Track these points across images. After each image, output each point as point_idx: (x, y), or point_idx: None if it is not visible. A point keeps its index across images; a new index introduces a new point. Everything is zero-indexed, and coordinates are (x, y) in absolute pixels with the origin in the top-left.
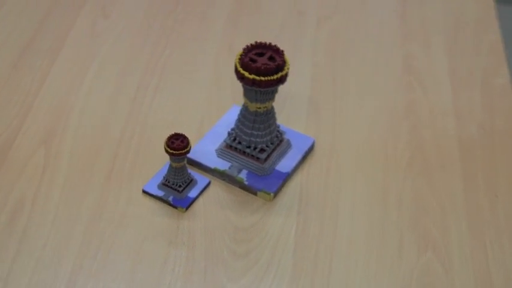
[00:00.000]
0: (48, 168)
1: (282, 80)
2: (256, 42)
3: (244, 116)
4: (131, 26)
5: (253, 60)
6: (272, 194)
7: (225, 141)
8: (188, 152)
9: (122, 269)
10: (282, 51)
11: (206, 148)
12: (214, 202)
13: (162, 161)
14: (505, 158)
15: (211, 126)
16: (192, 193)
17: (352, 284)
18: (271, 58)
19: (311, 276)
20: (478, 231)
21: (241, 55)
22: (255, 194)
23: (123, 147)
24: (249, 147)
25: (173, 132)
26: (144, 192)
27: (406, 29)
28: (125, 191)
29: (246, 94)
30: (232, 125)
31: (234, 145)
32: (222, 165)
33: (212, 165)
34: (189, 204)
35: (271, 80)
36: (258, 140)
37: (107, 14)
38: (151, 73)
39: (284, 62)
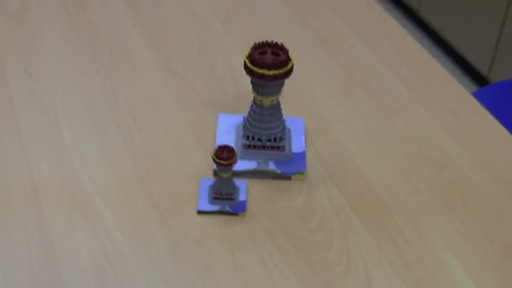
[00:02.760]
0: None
1: (292, 68)
2: (276, 42)
3: (260, 113)
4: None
5: (264, 53)
6: (305, 173)
7: (242, 143)
8: (236, 161)
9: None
10: (281, 44)
11: None
12: (261, 198)
13: (191, 184)
14: None
15: (208, 140)
16: (241, 197)
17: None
18: (273, 53)
19: (382, 225)
20: None
21: (250, 50)
22: (289, 178)
23: (148, 189)
24: (269, 140)
25: (218, 146)
26: (200, 212)
27: None
28: (182, 220)
29: (264, 91)
30: (230, 130)
31: (253, 144)
32: (250, 164)
33: (242, 168)
34: (245, 207)
35: (289, 70)
36: (276, 131)
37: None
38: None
39: (280, 65)
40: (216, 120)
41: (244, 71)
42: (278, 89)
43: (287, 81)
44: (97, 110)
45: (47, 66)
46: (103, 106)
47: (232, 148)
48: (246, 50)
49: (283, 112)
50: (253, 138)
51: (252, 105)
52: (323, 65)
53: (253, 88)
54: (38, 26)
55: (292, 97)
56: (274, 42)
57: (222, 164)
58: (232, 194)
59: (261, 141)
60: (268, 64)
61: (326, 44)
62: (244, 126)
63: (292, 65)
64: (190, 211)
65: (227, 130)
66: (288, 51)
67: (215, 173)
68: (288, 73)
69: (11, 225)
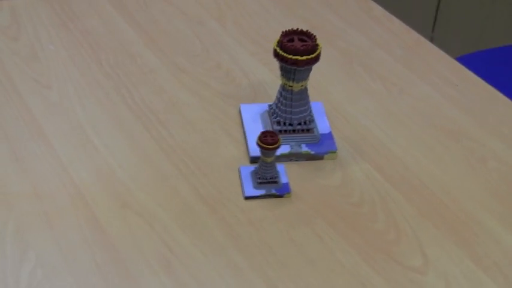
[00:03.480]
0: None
1: (297, 63)
2: (307, 30)
3: (291, 98)
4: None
5: (291, 40)
6: (336, 152)
7: (274, 129)
8: (280, 144)
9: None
10: (318, 45)
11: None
12: (300, 179)
13: (230, 173)
14: None
15: (236, 131)
16: (284, 179)
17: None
18: (300, 40)
19: (418, 193)
20: None
21: (287, 31)
22: (322, 158)
23: (191, 182)
24: (299, 124)
25: (262, 131)
26: (248, 198)
27: None
28: (233, 207)
29: (296, 76)
30: (255, 119)
31: (285, 128)
32: (283, 149)
33: (277, 153)
34: (290, 188)
35: (285, 56)
36: (305, 114)
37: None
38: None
39: (306, 51)
40: (237, 111)
41: (248, 64)
42: (307, 74)
43: None
44: (118, 112)
45: (56, 74)
46: (123, 108)
47: (275, 133)
48: (275, 39)
49: None
50: (284, 123)
51: (280, 92)
52: (322, 52)
53: (283, 75)
54: (35, 36)
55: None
56: (299, 29)
57: (268, 149)
58: (276, 177)
59: (292, 125)
60: (301, 50)
61: (319, 32)
62: (274, 113)
63: (321, 50)
64: (237, 198)
65: (253, 119)
66: (315, 37)
67: (252, 160)
68: (318, 58)
69: (66, 231)
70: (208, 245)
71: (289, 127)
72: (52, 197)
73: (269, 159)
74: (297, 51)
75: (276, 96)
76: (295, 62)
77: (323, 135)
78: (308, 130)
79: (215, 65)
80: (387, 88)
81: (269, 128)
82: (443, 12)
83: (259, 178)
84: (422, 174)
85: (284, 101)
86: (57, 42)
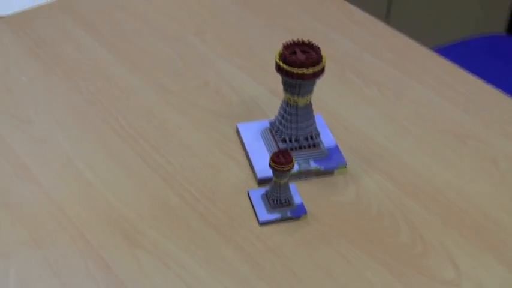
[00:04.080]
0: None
1: (303, 77)
2: (308, 40)
3: (296, 113)
4: None
5: (294, 53)
6: (346, 166)
7: (280, 147)
8: (294, 164)
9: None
10: (322, 56)
11: (264, 164)
12: (313, 197)
13: (238, 197)
14: None
15: (237, 152)
16: (297, 199)
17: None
18: (302, 52)
19: (435, 201)
20: None
21: (288, 44)
22: (332, 173)
23: (197, 210)
24: (306, 139)
25: (276, 150)
26: (262, 223)
27: None
28: (248, 234)
29: (301, 91)
30: (257, 138)
31: (291, 146)
32: None
33: None
34: (305, 209)
35: (290, 71)
36: (311, 128)
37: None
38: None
39: (311, 64)
40: (233, 131)
41: (236, 79)
42: (313, 87)
43: None
44: (108, 141)
45: (34, 107)
46: (112, 136)
47: (288, 151)
48: (276, 53)
49: None
50: (290, 140)
51: (284, 108)
52: None
53: (287, 90)
54: (3, 68)
55: None
56: (301, 40)
57: (282, 170)
58: (290, 198)
59: (298, 141)
60: (306, 63)
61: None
62: (278, 130)
63: (325, 61)
64: (251, 224)
65: (254, 138)
66: (318, 47)
67: (260, 182)
68: (323, 70)
69: (73, 277)
70: (230, 278)
71: (296, 144)
72: (51, 242)
73: (283, 181)
74: (302, 64)
75: (279, 112)
76: (301, 76)
77: (329, 149)
78: (314, 145)
79: (202, 83)
80: (383, 93)
81: (273, 147)
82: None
83: (273, 201)
84: (436, 181)
85: (289, 117)
86: (28, 72)
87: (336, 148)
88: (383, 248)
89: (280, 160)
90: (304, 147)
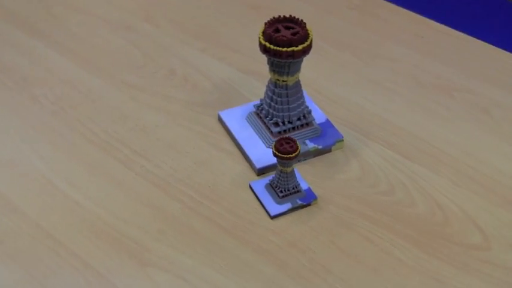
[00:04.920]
0: None
1: (293, 55)
2: (290, 15)
3: (286, 94)
4: None
5: (277, 31)
6: (343, 139)
7: (273, 132)
8: (300, 150)
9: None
10: (307, 30)
11: (260, 153)
12: (318, 179)
13: (240, 192)
14: None
15: (225, 142)
16: (304, 185)
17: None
18: (294, 34)
19: (439, 161)
20: None
21: (269, 21)
22: (330, 150)
23: (202, 214)
24: (299, 119)
25: (281, 137)
26: (274, 216)
27: None
28: (262, 232)
29: (290, 69)
30: (242, 124)
31: (285, 128)
32: None
33: None
34: (314, 193)
35: (279, 51)
36: (303, 107)
37: None
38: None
39: (300, 40)
40: (215, 120)
41: (203, 63)
42: (300, 64)
43: (253, 58)
44: (83, 152)
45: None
46: (87, 146)
47: (291, 138)
48: (259, 32)
49: None
50: (283, 123)
51: (273, 90)
52: None
53: (274, 71)
54: None
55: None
56: (282, 16)
57: (289, 158)
58: (298, 185)
59: (292, 123)
60: (295, 40)
61: (262, 9)
62: (267, 114)
63: (312, 35)
64: (262, 219)
65: (240, 125)
66: (302, 21)
67: (259, 172)
68: (311, 44)
69: None
70: (258, 282)
71: (289, 125)
72: (53, 276)
73: (290, 169)
74: (291, 42)
75: (267, 95)
76: (292, 54)
77: (321, 124)
78: (308, 124)
79: (168, 73)
80: (357, 56)
81: (264, 132)
82: None
83: (282, 191)
84: (436, 140)
85: (279, 99)
86: None
87: (328, 122)
88: (403, 221)
89: (286, 149)
90: (298, 128)
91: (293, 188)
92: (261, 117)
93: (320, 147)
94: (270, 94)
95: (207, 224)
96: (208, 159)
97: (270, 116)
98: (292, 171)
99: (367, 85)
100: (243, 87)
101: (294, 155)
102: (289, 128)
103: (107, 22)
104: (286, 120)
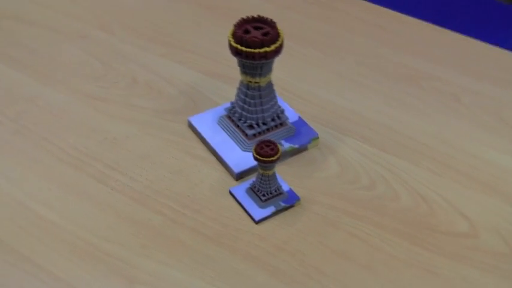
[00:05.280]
0: None
1: (266, 56)
2: (258, 15)
3: (259, 95)
4: None
5: (247, 32)
6: (318, 137)
7: (248, 134)
8: (280, 152)
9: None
10: (277, 29)
11: (237, 157)
12: (297, 179)
13: (221, 199)
14: None
15: (199, 149)
16: (285, 186)
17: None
18: (265, 34)
19: (418, 152)
20: None
21: (238, 23)
22: (306, 149)
23: (185, 225)
24: (273, 119)
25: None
26: (259, 221)
27: None
28: (249, 238)
29: (263, 70)
30: (215, 129)
31: (259, 130)
32: None
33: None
34: (296, 194)
35: (251, 52)
36: (276, 107)
37: None
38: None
39: (272, 40)
40: (185, 127)
41: (164, 68)
42: (272, 65)
43: (214, 60)
44: (54, 171)
45: None
46: (57, 165)
47: (270, 140)
48: (228, 35)
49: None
50: (257, 125)
51: (245, 92)
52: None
53: (245, 73)
54: None
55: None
56: (251, 17)
57: (271, 161)
58: (280, 187)
59: (266, 124)
60: (267, 40)
61: (219, 9)
62: (240, 117)
63: (283, 33)
64: (247, 224)
65: (212, 130)
66: (272, 20)
67: (238, 177)
68: (283, 43)
69: None
70: None
71: (264, 127)
72: None
73: (271, 172)
74: (263, 43)
75: (239, 97)
76: (265, 55)
77: (294, 123)
78: (282, 124)
79: (130, 81)
80: (321, 51)
81: (238, 136)
82: None
83: (264, 195)
84: (411, 131)
85: (252, 101)
86: None
87: (301, 121)
88: (389, 216)
89: (267, 152)
90: (272, 129)
91: (275, 191)
92: (233, 121)
93: (296, 146)
94: (243, 97)
95: (191, 234)
96: (184, 168)
97: (243, 119)
98: (274, 174)
99: (334, 80)
100: (209, 90)
101: (276, 157)
102: (264, 129)
103: (60, 33)
104: (260, 121)
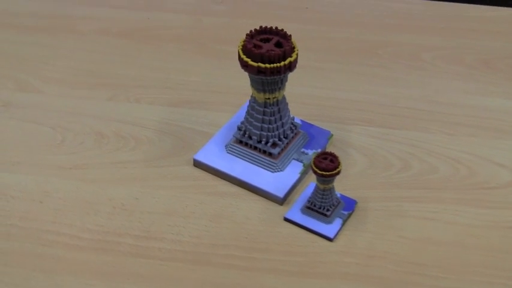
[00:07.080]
0: None
1: (290, 67)
2: (260, 27)
3: (278, 110)
4: None
5: (257, 47)
6: (332, 134)
7: (271, 153)
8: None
9: None
10: (290, 35)
11: (274, 182)
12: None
13: (280, 228)
14: None
15: (223, 186)
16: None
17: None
18: (277, 44)
19: (415, 127)
20: None
21: (244, 41)
22: (325, 149)
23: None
24: (291, 130)
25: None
26: (334, 237)
27: None
28: (334, 258)
29: (282, 84)
30: (232, 161)
31: (283, 146)
32: (296, 167)
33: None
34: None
35: (277, 67)
36: (291, 117)
37: None
38: None
39: (292, 48)
40: (190, 167)
41: (124, 113)
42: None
43: (169, 88)
44: (82, 264)
45: None
46: (81, 256)
47: (326, 152)
48: (241, 54)
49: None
50: (280, 140)
51: (263, 111)
52: None
53: (265, 91)
54: None
55: (202, 96)
56: (251, 31)
57: (336, 174)
58: (338, 197)
59: (286, 137)
60: (288, 50)
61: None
62: (261, 138)
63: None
64: (324, 246)
65: (226, 161)
66: (283, 31)
67: (283, 200)
68: (296, 46)
69: None
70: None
71: (285, 140)
72: None
73: (331, 185)
74: (285, 54)
75: (253, 119)
76: (289, 66)
77: (303, 127)
78: (296, 133)
79: (97, 137)
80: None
81: (262, 158)
82: None
83: (327, 210)
84: (399, 101)
85: (272, 118)
86: None
87: (306, 123)
88: (441, 188)
89: (329, 166)
90: (290, 140)
91: (336, 202)
92: (247, 144)
93: (319, 150)
94: (260, 116)
95: (276, 277)
96: (220, 211)
97: (264, 140)
98: (333, 186)
99: (301, 73)
100: (189, 122)
101: (339, 168)
102: (285, 143)
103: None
104: (282, 136)
